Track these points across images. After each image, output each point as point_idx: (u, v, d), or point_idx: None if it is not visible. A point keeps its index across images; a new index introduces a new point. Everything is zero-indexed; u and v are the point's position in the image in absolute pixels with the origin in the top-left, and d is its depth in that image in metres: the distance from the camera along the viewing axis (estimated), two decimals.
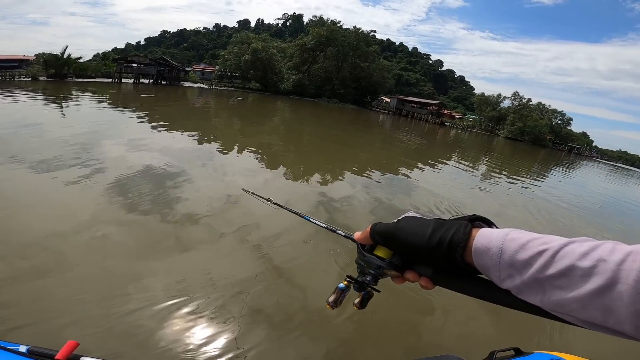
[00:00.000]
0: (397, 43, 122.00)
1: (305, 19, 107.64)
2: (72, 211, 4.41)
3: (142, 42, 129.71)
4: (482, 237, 0.47)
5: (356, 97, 54.62)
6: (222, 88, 46.26)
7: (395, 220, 0.56)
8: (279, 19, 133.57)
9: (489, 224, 0.52)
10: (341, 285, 0.59)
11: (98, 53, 67.83)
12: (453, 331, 3.30)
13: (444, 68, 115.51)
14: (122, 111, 14.90)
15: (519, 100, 55.53)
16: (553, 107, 56.89)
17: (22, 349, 0.68)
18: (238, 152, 9.74)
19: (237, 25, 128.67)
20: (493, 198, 10.42)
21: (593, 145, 64.41)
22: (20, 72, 33.58)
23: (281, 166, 8.77)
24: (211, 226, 4.48)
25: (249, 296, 3.14)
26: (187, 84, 45.20)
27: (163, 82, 39.38)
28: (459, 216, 0.53)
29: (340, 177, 8.43)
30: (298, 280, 3.57)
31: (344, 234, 0.74)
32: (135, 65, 38.61)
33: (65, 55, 34.50)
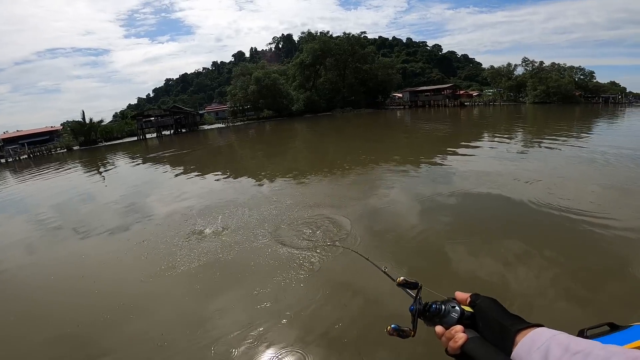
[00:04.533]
0: (391, 38, 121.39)
1: (295, 37, 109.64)
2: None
3: (152, 94, 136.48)
4: (525, 344, 0.60)
5: (368, 100, 54.17)
6: (239, 123, 47.14)
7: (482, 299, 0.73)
8: (270, 43, 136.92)
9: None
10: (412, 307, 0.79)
11: (116, 113, 71.81)
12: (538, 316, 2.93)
13: (445, 51, 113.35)
14: (159, 167, 15.18)
15: (530, 64, 53.12)
16: (569, 64, 53.82)
17: None
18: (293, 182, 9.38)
19: (233, 59, 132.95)
20: (545, 165, 9.43)
21: (628, 91, 60.07)
22: (55, 144, 35.90)
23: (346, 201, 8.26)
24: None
25: None
26: (206, 127, 46.51)
27: (183, 130, 40.66)
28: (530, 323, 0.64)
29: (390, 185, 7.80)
30: None
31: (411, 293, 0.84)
32: (153, 118, 40.21)
33: (87, 120, 36.54)
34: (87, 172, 16.84)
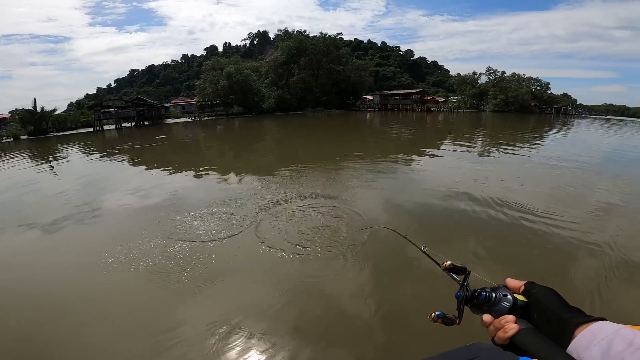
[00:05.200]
0: (366, 41, 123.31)
1: (271, 35, 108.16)
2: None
3: (113, 85, 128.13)
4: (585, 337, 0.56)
5: (339, 101, 54.58)
6: (206, 118, 45.58)
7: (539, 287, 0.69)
8: (245, 39, 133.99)
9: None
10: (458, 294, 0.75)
11: (72, 102, 66.74)
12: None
13: (416, 56, 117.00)
14: (117, 160, 14.22)
15: (493, 74, 56.33)
16: (528, 75, 57.74)
17: None
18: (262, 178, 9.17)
19: (205, 53, 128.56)
20: (499, 171, 10.13)
21: (578, 103, 65.34)
22: (1, 133, 32.79)
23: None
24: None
25: None
26: (170, 121, 44.44)
27: (145, 123, 38.56)
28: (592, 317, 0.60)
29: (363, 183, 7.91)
30: None
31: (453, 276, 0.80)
32: (113, 109, 37.80)
33: (39, 109, 33.69)
34: (35, 163, 15.39)
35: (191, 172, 10.66)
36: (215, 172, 10.54)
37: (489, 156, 13.25)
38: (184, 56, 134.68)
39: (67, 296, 3.77)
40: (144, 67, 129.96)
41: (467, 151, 13.81)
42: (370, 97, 60.64)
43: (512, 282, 0.72)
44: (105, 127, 36.39)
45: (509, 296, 0.68)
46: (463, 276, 0.77)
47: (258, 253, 4.55)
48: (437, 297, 3.48)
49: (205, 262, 4.35)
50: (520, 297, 0.68)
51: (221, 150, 17.65)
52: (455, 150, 14.22)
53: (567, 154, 13.30)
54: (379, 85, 76.01)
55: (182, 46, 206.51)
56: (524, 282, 0.71)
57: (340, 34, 60.29)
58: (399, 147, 15.89)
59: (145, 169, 11.80)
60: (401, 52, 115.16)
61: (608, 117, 68.07)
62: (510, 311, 0.66)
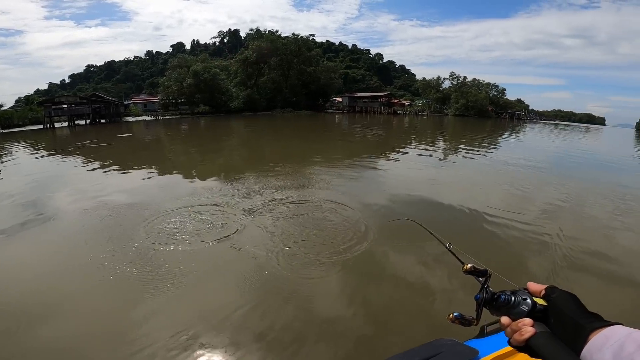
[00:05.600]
0: (337, 43, 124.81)
1: (242, 34, 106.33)
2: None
3: (67, 80, 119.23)
4: (598, 341, 0.56)
5: (309, 103, 54.86)
6: (170, 117, 43.79)
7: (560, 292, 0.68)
8: (214, 37, 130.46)
9: None
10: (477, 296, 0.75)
11: (20, 97, 61.23)
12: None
13: (385, 60, 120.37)
14: (69, 160, 13.29)
15: (456, 79, 59.50)
16: (487, 81, 61.62)
17: None
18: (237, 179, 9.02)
19: (171, 50, 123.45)
20: (456, 173, 10.87)
21: (530, 109, 70.61)
22: None
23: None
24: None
25: None
26: (130, 119, 42.23)
27: (102, 121, 36.36)
28: (609, 322, 0.60)
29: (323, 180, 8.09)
30: None
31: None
32: (66, 106, 35.26)
33: None
34: None
35: (149, 173, 10.22)
36: (176, 173, 10.19)
37: (448, 159, 14.06)
38: (148, 52, 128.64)
39: (17, 308, 3.43)
40: (103, 63, 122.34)
41: (429, 155, 14.51)
42: (339, 99, 61.57)
43: (533, 286, 0.72)
44: (57, 125, 33.81)
45: (529, 300, 0.68)
46: (484, 278, 0.77)
47: (218, 254, 4.50)
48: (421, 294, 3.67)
49: (178, 265, 4.16)
50: (540, 301, 0.68)
51: (184, 150, 17.07)
52: (419, 154, 14.88)
53: (519, 157, 14.47)
54: (348, 87, 77.31)
55: (146, 42, 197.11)
56: (545, 286, 0.71)
57: (313, 35, 60.81)
58: (367, 149, 16.24)
59: (100, 169, 11.13)
60: (371, 56, 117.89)
61: (557, 122, 74.21)
62: (529, 314, 0.66)
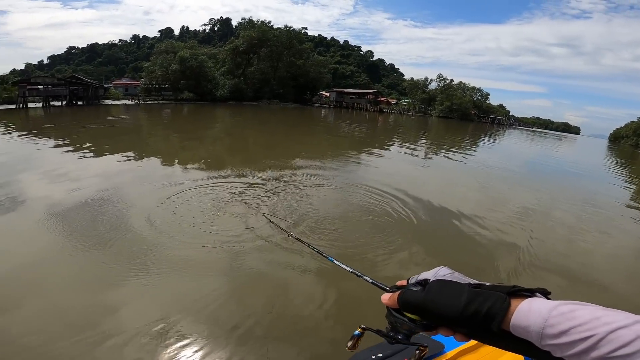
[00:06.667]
0: (329, 38, 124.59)
1: (234, 22, 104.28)
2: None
3: (46, 61, 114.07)
4: (522, 314, 0.46)
5: (296, 95, 54.63)
6: (152, 102, 42.73)
7: (425, 285, 0.56)
8: (205, 24, 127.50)
9: (532, 292, 0.50)
10: (357, 332, 0.65)
11: None
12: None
13: (375, 58, 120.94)
14: (40, 141, 12.85)
15: (443, 81, 60.56)
16: (472, 84, 63.03)
17: None
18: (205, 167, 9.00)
19: (159, 35, 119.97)
20: (436, 173, 11.27)
21: (510, 115, 72.66)
22: None
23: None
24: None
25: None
26: (109, 102, 40.95)
27: (79, 103, 35.16)
28: (498, 284, 0.53)
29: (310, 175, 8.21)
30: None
31: (371, 281, 0.71)
32: (42, 87, 33.89)
33: None
34: None
35: (124, 157, 9.95)
36: (154, 159, 9.99)
37: (430, 159, 14.41)
38: (135, 37, 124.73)
39: None
40: (85, 45, 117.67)
41: (411, 154, 14.89)
42: (327, 94, 61.60)
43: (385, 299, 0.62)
44: (31, 105, 32.48)
45: (404, 318, 0.58)
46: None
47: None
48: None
49: (148, 252, 4.05)
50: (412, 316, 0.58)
51: (163, 136, 16.82)
52: (401, 153, 15.20)
53: (496, 161, 15.16)
54: (337, 82, 77.40)
55: (134, 26, 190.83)
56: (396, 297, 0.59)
57: (305, 28, 60.44)
58: (351, 145, 16.35)
59: (72, 151, 10.83)
60: (362, 52, 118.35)
61: (534, 129, 76.69)
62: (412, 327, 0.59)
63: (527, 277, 4.20)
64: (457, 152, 16.45)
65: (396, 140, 20.43)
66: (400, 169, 10.95)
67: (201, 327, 2.84)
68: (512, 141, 31.53)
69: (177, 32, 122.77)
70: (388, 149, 15.72)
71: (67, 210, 5.31)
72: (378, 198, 6.66)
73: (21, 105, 31.32)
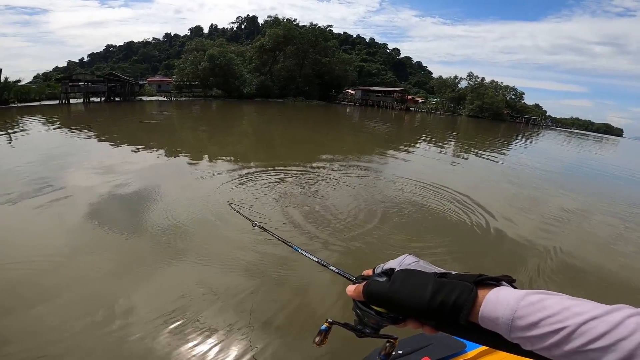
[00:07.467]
0: (355, 35, 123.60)
1: (260, 20, 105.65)
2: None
3: (86, 59, 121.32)
4: (490, 305, 0.44)
5: (321, 93, 54.60)
6: (183, 99, 44.21)
7: (391, 275, 0.54)
8: (233, 22, 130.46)
9: (497, 280, 0.48)
10: (323, 327, 0.60)
11: (39, 74, 62.66)
12: None
13: (402, 56, 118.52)
14: (82, 134, 13.61)
15: (474, 79, 58.23)
16: (505, 83, 60.14)
17: None
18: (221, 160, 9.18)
19: (189, 33, 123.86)
20: (467, 172, 10.78)
21: (547, 115, 68.77)
22: None
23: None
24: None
25: None
26: (144, 98, 42.80)
27: (117, 99, 36.99)
28: (464, 273, 0.50)
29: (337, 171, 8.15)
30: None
31: (337, 270, 0.69)
32: (82, 83, 35.95)
33: (2, 79, 31.61)
34: None
35: (161, 152, 10.30)
36: (186, 155, 10.24)
37: (460, 159, 13.91)
38: (167, 35, 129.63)
39: (14, 282, 3.37)
40: (122, 43, 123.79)
41: (440, 152, 14.43)
42: (352, 92, 61.04)
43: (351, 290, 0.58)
44: (72, 101, 34.57)
45: (370, 311, 0.55)
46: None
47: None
48: None
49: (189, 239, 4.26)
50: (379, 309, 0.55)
51: (195, 132, 17.30)
52: (429, 151, 14.78)
53: (531, 163, 14.31)
54: (362, 80, 76.60)
55: (166, 24, 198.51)
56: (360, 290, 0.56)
57: (330, 26, 60.10)
58: (376, 144, 16.13)
59: (113, 145, 11.35)
60: (388, 50, 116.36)
61: (573, 130, 72.13)
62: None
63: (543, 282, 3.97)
64: (489, 153, 15.74)
65: (424, 141, 19.84)
66: (431, 167, 10.60)
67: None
68: (549, 143, 29.75)
69: (206, 30, 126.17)
70: (418, 148, 15.26)
71: (102, 200, 5.60)
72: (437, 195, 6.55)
73: (64, 101, 33.40)
